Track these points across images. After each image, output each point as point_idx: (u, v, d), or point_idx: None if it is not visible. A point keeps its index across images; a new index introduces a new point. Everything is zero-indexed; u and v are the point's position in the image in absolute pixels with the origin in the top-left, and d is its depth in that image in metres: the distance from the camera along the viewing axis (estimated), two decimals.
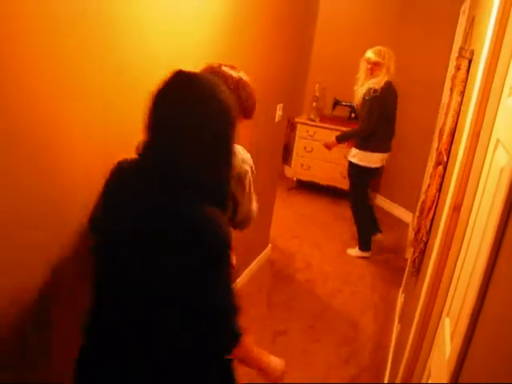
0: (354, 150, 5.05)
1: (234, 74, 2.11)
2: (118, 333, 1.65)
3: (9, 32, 1.50)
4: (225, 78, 2.07)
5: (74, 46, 1.77)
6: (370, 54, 4.81)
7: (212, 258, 1.53)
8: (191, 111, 1.51)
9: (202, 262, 1.52)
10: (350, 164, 5.14)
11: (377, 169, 5.10)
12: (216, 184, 1.61)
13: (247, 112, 2.18)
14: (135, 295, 1.58)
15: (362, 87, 4.84)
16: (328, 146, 5.34)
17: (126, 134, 2.07)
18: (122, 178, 1.66)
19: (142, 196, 1.56)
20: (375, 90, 4.70)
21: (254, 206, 2.27)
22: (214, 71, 2.09)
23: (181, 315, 1.58)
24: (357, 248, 5.35)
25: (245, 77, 2.15)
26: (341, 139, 5.18)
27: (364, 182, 5.22)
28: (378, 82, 4.73)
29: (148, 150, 1.58)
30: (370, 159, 4.97)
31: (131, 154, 1.62)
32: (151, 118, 1.56)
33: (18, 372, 1.87)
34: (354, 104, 5.25)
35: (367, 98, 4.73)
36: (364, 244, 5.31)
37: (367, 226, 5.33)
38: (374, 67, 4.76)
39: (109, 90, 2.02)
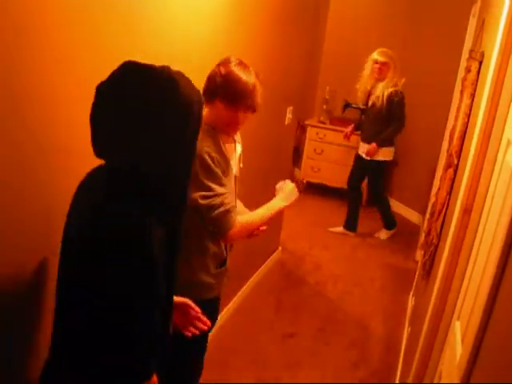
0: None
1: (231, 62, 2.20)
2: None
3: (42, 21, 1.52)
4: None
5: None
6: (377, 56, 5.10)
7: (102, 260, 1.43)
8: (134, 108, 1.42)
9: (94, 259, 1.44)
10: (375, 162, 5.36)
11: None
12: (164, 187, 1.51)
13: (225, 98, 2.20)
14: (65, 279, 1.54)
15: (378, 89, 5.13)
16: (370, 154, 5.37)
17: None
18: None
19: (85, 195, 1.55)
20: (401, 92, 5.07)
21: (205, 198, 2.16)
22: None
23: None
24: (383, 230, 5.80)
25: (235, 66, 2.19)
26: (383, 143, 5.28)
27: (383, 175, 5.66)
28: (395, 83, 5.08)
29: (94, 147, 1.48)
30: (391, 153, 5.40)
31: None
32: (93, 114, 1.46)
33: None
34: (365, 103, 5.38)
35: (397, 99, 5.06)
36: (391, 224, 5.80)
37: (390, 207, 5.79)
38: (383, 67, 5.06)
39: None
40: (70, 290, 1.52)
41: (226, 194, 2.21)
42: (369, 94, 5.31)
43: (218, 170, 2.17)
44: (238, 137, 2.51)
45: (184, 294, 2.42)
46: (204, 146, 2.13)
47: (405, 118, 5.15)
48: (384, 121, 5.18)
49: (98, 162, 1.52)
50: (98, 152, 1.49)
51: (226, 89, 2.18)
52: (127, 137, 1.44)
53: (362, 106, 5.96)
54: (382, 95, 5.06)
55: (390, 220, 5.78)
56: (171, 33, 2.30)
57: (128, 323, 1.47)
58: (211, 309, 2.49)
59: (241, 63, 2.21)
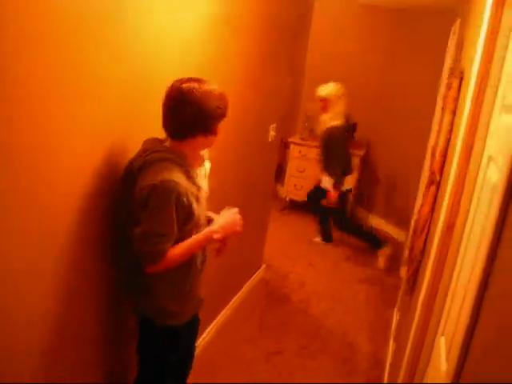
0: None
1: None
2: None
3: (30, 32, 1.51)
4: None
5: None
6: (318, 92, 5.30)
7: None
8: None
9: None
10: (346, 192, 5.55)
11: None
12: None
13: (206, 126, 2.17)
14: None
15: (321, 124, 5.40)
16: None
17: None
18: None
19: None
20: (338, 127, 5.27)
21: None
22: None
23: None
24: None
25: (197, 84, 2.09)
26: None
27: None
28: (337, 117, 5.28)
29: None
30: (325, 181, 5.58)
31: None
32: None
33: None
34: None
35: (333, 135, 5.28)
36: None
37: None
38: (322, 103, 5.30)
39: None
40: None
41: (169, 239, 2.13)
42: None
43: (173, 210, 2.07)
44: (205, 152, 2.46)
45: (144, 319, 2.41)
46: (174, 179, 2.06)
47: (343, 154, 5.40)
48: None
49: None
50: None
51: (223, 109, 2.17)
52: None
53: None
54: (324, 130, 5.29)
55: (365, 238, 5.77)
56: (151, 53, 2.29)
57: None
58: (177, 336, 2.45)
59: (196, 80, 2.12)
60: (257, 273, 4.83)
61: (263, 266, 4.98)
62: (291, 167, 6.80)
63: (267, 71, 3.87)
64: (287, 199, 6.96)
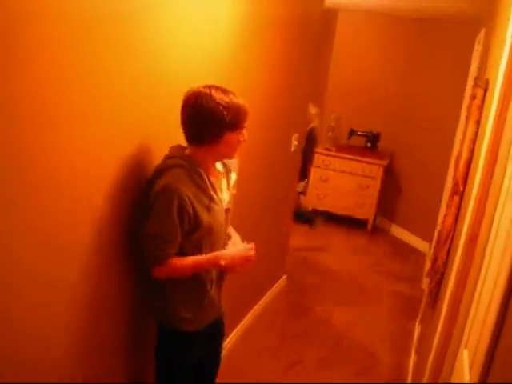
0: None
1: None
2: None
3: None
4: None
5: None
6: None
7: None
8: None
9: None
10: None
11: None
12: None
13: (231, 127, 2.16)
14: None
15: None
16: None
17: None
18: None
19: None
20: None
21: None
22: None
23: None
24: None
25: (218, 94, 2.11)
26: None
27: None
28: None
29: None
30: None
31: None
32: None
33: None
34: None
35: None
36: None
37: None
38: None
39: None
40: None
41: (171, 243, 2.15)
42: None
43: (175, 215, 2.09)
44: (233, 164, 2.47)
45: (160, 324, 2.41)
46: (179, 186, 2.09)
47: None
48: None
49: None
50: None
51: (231, 118, 2.12)
52: None
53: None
54: None
55: None
56: (172, 61, 2.30)
57: None
58: (192, 341, 2.44)
59: (211, 87, 2.13)
60: (278, 282, 4.82)
61: (284, 275, 4.97)
62: (314, 177, 6.79)
63: (291, 81, 3.88)
64: (310, 209, 6.94)
